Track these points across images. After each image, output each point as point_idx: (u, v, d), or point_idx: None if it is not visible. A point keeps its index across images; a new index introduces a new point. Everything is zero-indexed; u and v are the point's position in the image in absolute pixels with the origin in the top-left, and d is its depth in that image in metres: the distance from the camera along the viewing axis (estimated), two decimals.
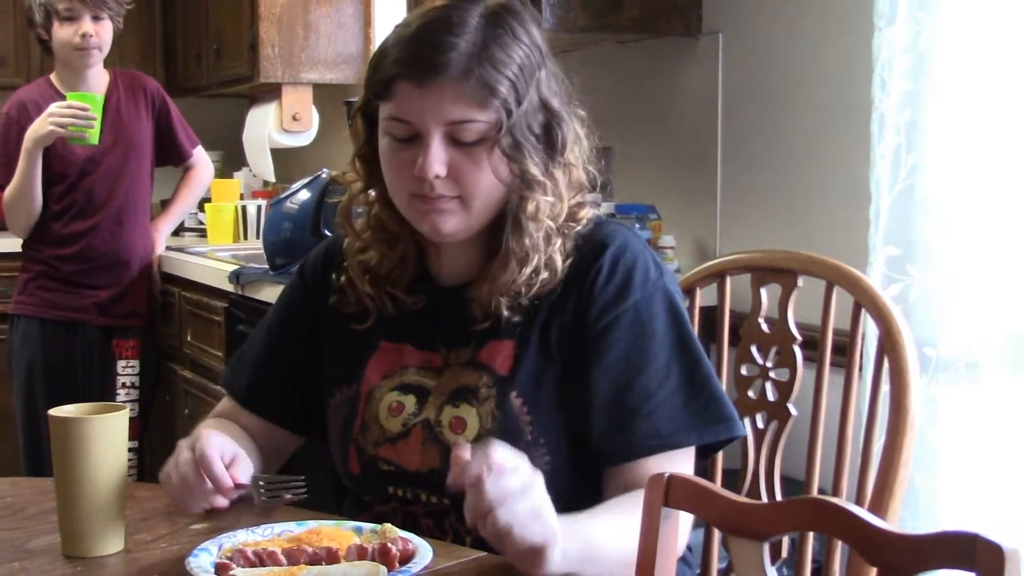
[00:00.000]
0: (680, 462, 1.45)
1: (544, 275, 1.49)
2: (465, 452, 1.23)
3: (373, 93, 1.48)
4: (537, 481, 1.23)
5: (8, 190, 3.50)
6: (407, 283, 1.58)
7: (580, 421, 1.48)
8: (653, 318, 1.49)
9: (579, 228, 1.53)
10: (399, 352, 1.57)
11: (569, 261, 1.50)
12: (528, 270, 1.48)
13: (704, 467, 1.67)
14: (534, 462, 1.39)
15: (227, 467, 1.42)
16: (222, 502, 1.42)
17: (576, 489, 1.45)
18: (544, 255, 1.49)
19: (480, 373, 1.50)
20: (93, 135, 3.36)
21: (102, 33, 3.47)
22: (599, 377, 1.47)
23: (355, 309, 1.60)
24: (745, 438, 1.74)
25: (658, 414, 1.45)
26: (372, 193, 1.57)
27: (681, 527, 1.41)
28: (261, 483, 1.46)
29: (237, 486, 1.42)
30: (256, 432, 1.66)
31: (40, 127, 3.36)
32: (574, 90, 1.54)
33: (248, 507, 1.49)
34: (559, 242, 1.50)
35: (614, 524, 1.36)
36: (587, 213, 1.55)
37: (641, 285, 1.49)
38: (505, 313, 1.49)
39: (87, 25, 3.43)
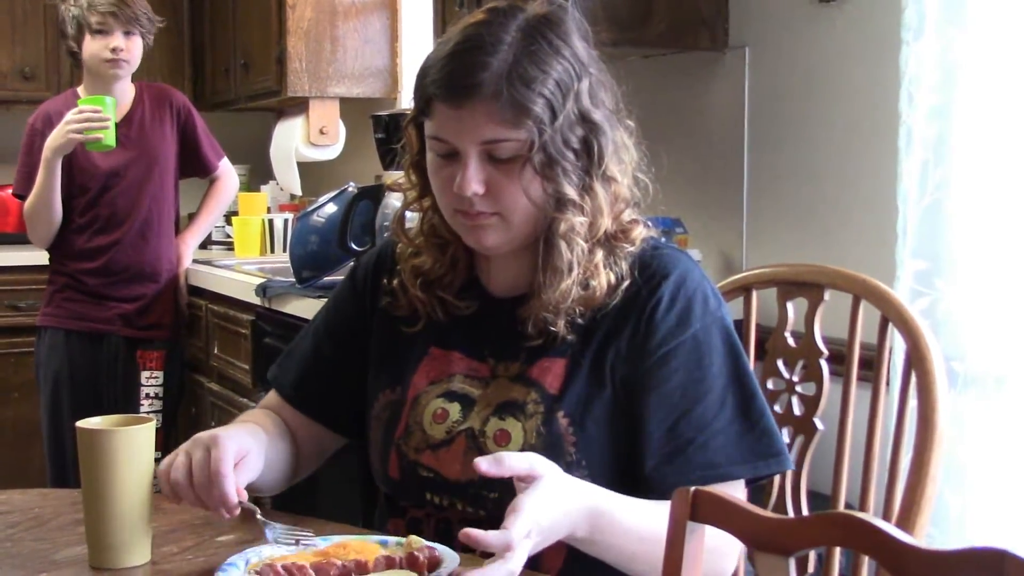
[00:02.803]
0: (734, 493, 1.45)
1: (591, 290, 1.48)
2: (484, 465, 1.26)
3: (417, 109, 1.50)
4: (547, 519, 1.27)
5: (28, 201, 3.53)
6: (458, 289, 1.59)
7: (628, 447, 1.48)
8: (711, 349, 1.49)
9: (633, 249, 1.52)
10: (447, 359, 1.57)
11: (626, 284, 1.50)
12: (567, 286, 1.47)
13: None
14: None
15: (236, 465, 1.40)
16: (224, 516, 1.41)
17: None
18: (584, 270, 1.48)
19: (529, 389, 1.50)
20: (109, 137, 3.36)
21: (132, 48, 3.50)
22: (654, 405, 1.46)
23: (406, 312, 1.60)
24: None
25: (712, 445, 1.45)
26: (425, 201, 1.58)
27: (730, 550, 1.41)
28: (275, 527, 1.42)
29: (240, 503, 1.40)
30: (298, 429, 1.67)
31: (57, 136, 3.38)
32: (623, 99, 1.53)
33: (272, 519, 1.49)
34: (603, 257, 1.50)
35: (637, 505, 1.39)
36: (641, 233, 1.54)
37: (700, 316, 1.49)
38: (560, 331, 1.49)
39: (118, 39, 3.46)
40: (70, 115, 3.36)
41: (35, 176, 3.47)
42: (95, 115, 3.34)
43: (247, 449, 1.44)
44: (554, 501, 1.29)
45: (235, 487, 1.38)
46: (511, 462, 1.28)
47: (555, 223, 1.47)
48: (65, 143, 3.37)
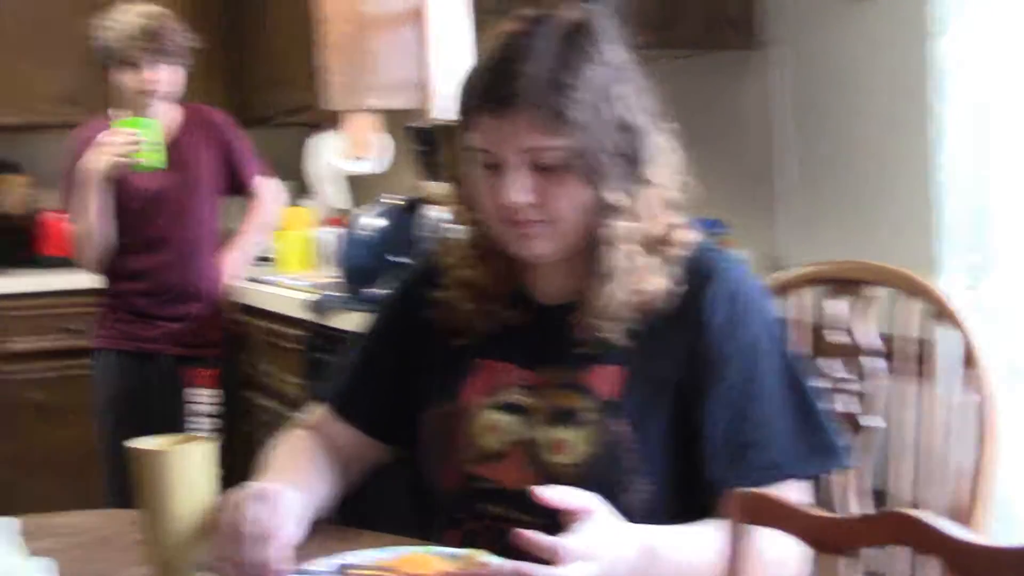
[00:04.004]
0: (795, 492, 1.45)
1: (641, 296, 1.49)
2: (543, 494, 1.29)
3: (460, 123, 1.50)
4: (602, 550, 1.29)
5: (75, 225, 3.56)
6: (505, 299, 1.59)
7: (688, 450, 1.48)
8: (765, 351, 1.49)
9: (681, 253, 1.52)
10: (498, 370, 1.57)
11: (676, 288, 1.50)
12: (617, 293, 1.48)
13: None
14: (635, 488, 1.44)
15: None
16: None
17: (677, 517, 1.45)
18: (633, 275, 1.48)
19: (583, 396, 1.50)
20: (153, 158, 3.39)
21: (163, 78, 3.52)
22: (713, 408, 1.47)
23: (454, 325, 1.61)
24: None
25: (772, 445, 1.46)
26: (469, 213, 1.59)
27: (791, 558, 1.41)
28: None
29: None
30: (343, 442, 1.68)
31: (97, 160, 3.41)
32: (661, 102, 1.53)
33: (332, 535, 1.51)
34: (651, 261, 1.50)
35: (689, 536, 1.39)
36: (687, 236, 1.54)
37: (754, 318, 1.50)
38: (611, 337, 1.49)
39: (148, 71, 3.48)
40: (105, 138, 3.39)
41: (78, 201, 3.50)
42: (129, 138, 3.36)
43: (297, 515, 1.44)
44: (613, 534, 1.31)
45: (281, 554, 1.37)
46: (568, 494, 1.31)
47: (602, 229, 1.47)
48: (105, 167, 3.40)
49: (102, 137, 3.40)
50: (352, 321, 3.05)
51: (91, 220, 3.50)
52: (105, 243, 3.57)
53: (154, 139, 3.40)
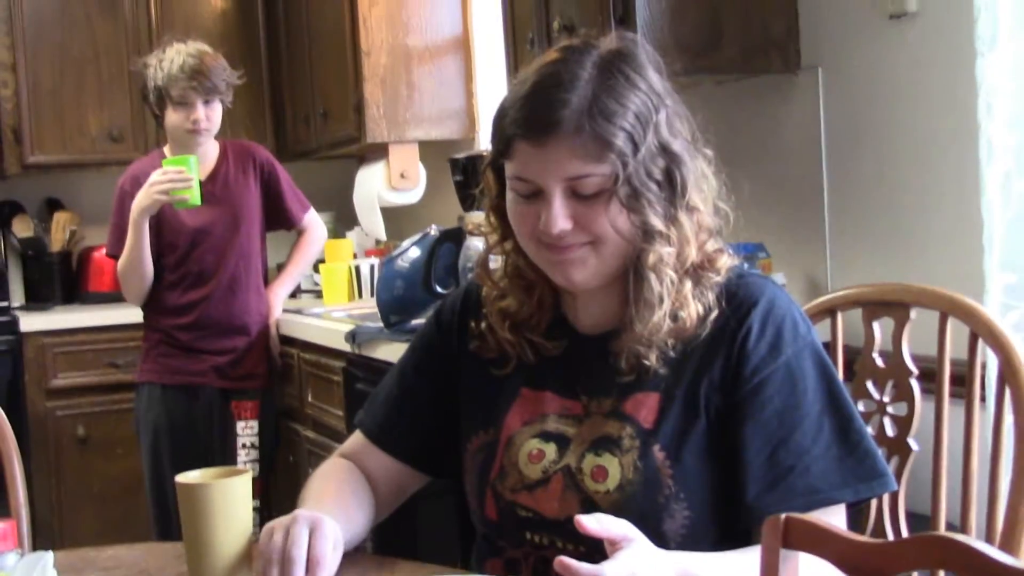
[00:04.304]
0: (834, 518, 1.44)
1: (681, 321, 1.49)
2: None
3: (496, 152, 1.51)
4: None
5: (121, 260, 3.60)
6: (545, 329, 1.60)
7: (727, 477, 1.47)
8: (804, 374, 1.48)
9: (719, 279, 1.52)
10: (539, 399, 1.58)
11: (714, 315, 1.50)
12: (658, 319, 1.48)
13: None
14: (673, 516, 1.43)
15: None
16: None
17: (717, 543, 1.45)
18: (674, 301, 1.48)
19: (624, 424, 1.50)
20: (194, 196, 3.44)
21: (212, 116, 3.58)
22: (752, 434, 1.46)
23: (495, 354, 1.62)
24: None
25: (813, 470, 1.44)
26: (507, 243, 1.59)
27: None
28: None
29: None
30: (379, 471, 1.69)
31: (143, 198, 3.46)
32: (698, 128, 1.53)
33: (369, 564, 1.51)
34: (692, 287, 1.50)
35: (726, 562, 1.39)
36: (726, 262, 1.54)
37: (791, 341, 1.49)
38: (652, 364, 1.49)
39: (199, 111, 3.53)
40: (155, 176, 3.44)
41: (126, 236, 3.55)
42: (179, 176, 3.41)
43: (335, 542, 1.43)
44: (651, 562, 1.30)
45: None
46: (609, 523, 1.30)
47: (643, 255, 1.48)
48: (151, 204, 3.45)
49: (152, 176, 3.45)
50: (389, 351, 3.07)
51: (141, 256, 3.54)
52: (150, 279, 3.61)
53: (196, 176, 3.45)
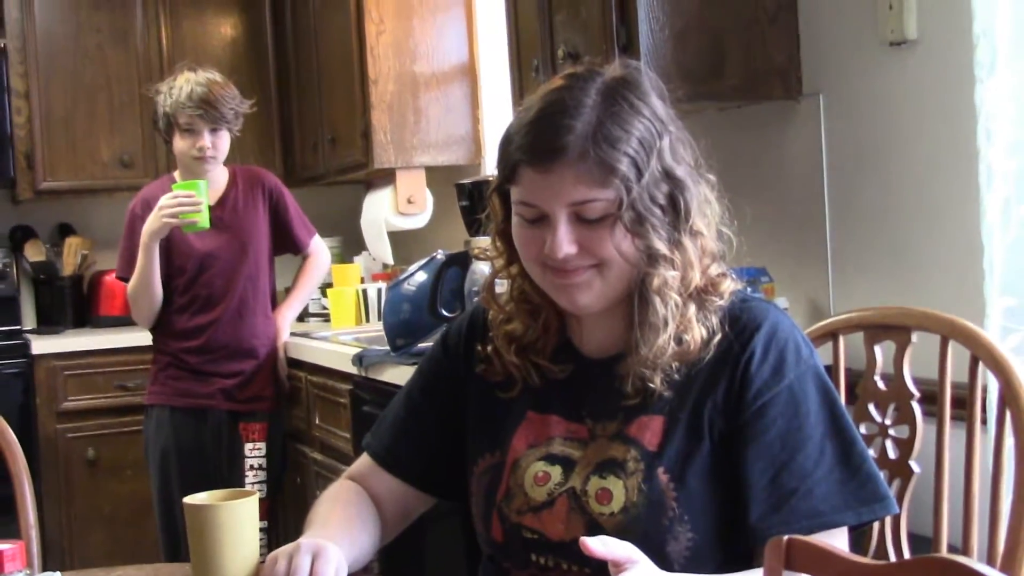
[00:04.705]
0: (837, 540, 1.43)
1: (685, 345, 1.49)
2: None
3: (502, 177, 1.51)
4: None
5: (131, 283, 3.62)
6: (551, 352, 1.60)
7: (730, 499, 1.47)
8: (807, 398, 1.48)
9: (723, 302, 1.52)
10: (545, 422, 1.58)
11: (717, 339, 1.50)
12: (663, 341, 1.48)
13: None
14: (677, 538, 1.44)
15: None
16: None
17: (720, 566, 1.45)
18: (678, 324, 1.49)
19: (628, 447, 1.50)
20: (203, 220, 3.45)
21: (219, 144, 3.59)
22: (755, 457, 1.46)
23: (501, 378, 1.62)
24: None
25: (816, 493, 1.44)
26: (513, 268, 1.59)
27: None
28: None
29: None
30: (386, 493, 1.68)
31: (153, 222, 3.47)
32: (701, 154, 1.54)
33: None
34: (696, 311, 1.50)
35: None
36: (729, 286, 1.54)
37: (794, 365, 1.49)
38: (657, 387, 1.49)
39: (205, 139, 3.56)
40: (164, 200, 3.45)
41: (136, 259, 3.56)
42: (188, 200, 3.42)
43: (340, 569, 1.43)
44: None
45: None
46: (613, 545, 1.31)
47: (648, 278, 1.48)
48: (160, 227, 3.46)
49: (162, 200, 3.46)
50: (396, 374, 3.06)
51: (150, 279, 3.55)
52: (159, 301, 3.62)
53: (205, 201, 3.46)
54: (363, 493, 1.68)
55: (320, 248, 3.99)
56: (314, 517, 1.60)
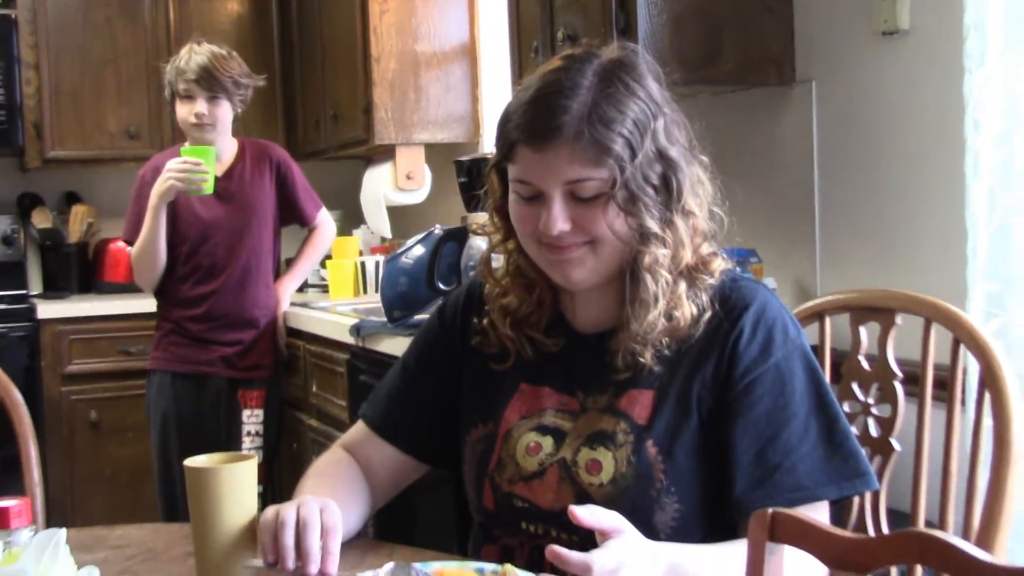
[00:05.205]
0: (819, 514, 1.44)
1: (675, 321, 1.49)
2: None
3: (500, 155, 1.51)
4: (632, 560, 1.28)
5: (136, 246, 3.61)
6: (544, 326, 1.60)
7: (717, 472, 1.48)
8: (793, 376, 1.48)
9: (713, 281, 1.53)
10: (538, 394, 1.58)
11: (707, 316, 1.50)
12: (653, 317, 1.48)
13: None
14: (664, 509, 1.44)
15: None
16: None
17: (706, 537, 1.45)
18: (669, 301, 1.49)
19: (618, 419, 1.50)
20: (207, 186, 3.46)
21: (216, 112, 3.58)
22: (741, 432, 1.46)
23: (495, 350, 1.62)
24: None
25: (799, 468, 1.45)
26: (509, 243, 1.60)
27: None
28: None
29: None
30: (381, 461, 1.69)
31: (160, 184, 3.48)
32: (695, 136, 1.54)
33: (371, 549, 1.51)
34: (686, 288, 1.50)
35: (712, 553, 1.39)
36: (719, 265, 1.54)
37: (781, 345, 1.49)
38: (647, 362, 1.49)
39: (201, 105, 3.55)
40: (171, 163, 3.46)
41: (142, 223, 3.56)
42: (195, 166, 3.42)
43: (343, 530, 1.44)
44: (639, 552, 1.31)
45: (329, 554, 1.38)
46: (601, 515, 1.31)
47: (640, 256, 1.48)
48: (167, 190, 3.46)
49: (169, 163, 3.47)
50: (392, 345, 3.07)
51: (155, 241, 3.55)
52: (162, 265, 3.62)
53: (212, 166, 3.47)
54: (353, 466, 1.67)
55: (326, 220, 3.97)
56: (306, 483, 1.59)
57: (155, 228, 3.53)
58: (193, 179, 3.43)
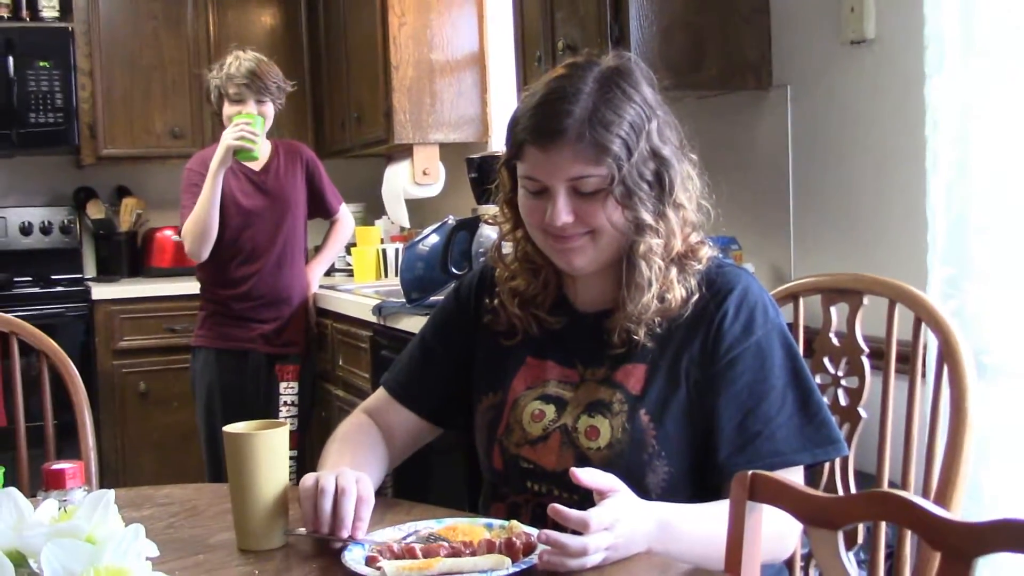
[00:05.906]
0: (794, 477, 1.44)
1: (667, 303, 1.49)
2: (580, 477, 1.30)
3: (509, 154, 1.51)
4: (623, 523, 1.27)
5: (192, 213, 3.55)
6: (549, 306, 1.60)
7: (702, 439, 1.48)
8: (772, 353, 1.49)
9: (701, 267, 1.52)
10: (542, 367, 1.58)
11: (695, 298, 1.50)
12: (647, 300, 1.48)
13: None
14: (655, 471, 1.45)
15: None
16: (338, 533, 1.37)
17: (692, 497, 1.45)
18: (661, 285, 1.49)
19: (614, 390, 1.51)
20: (256, 150, 3.47)
21: (264, 113, 3.57)
22: (725, 403, 1.47)
23: (504, 327, 1.62)
24: None
25: (777, 436, 1.45)
26: (518, 232, 1.60)
27: (790, 531, 1.40)
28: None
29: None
30: (399, 424, 1.69)
31: (218, 152, 3.47)
32: (685, 136, 1.54)
33: (391, 507, 1.51)
34: (677, 273, 1.50)
35: (700, 512, 1.39)
36: (707, 252, 1.54)
37: (762, 324, 1.49)
38: (641, 339, 1.50)
39: (251, 107, 3.53)
40: (228, 129, 3.46)
41: (191, 209, 3.54)
42: (248, 128, 3.43)
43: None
44: (633, 510, 1.31)
45: (360, 521, 1.37)
46: (598, 476, 1.32)
47: (635, 245, 1.48)
48: (224, 155, 3.45)
49: (227, 131, 3.47)
50: (410, 323, 3.07)
51: (211, 208, 3.51)
52: (214, 233, 3.57)
53: (261, 132, 3.48)
54: (374, 429, 1.67)
55: (346, 214, 3.99)
56: (327, 456, 1.58)
57: (213, 194, 3.50)
58: (247, 136, 3.41)
